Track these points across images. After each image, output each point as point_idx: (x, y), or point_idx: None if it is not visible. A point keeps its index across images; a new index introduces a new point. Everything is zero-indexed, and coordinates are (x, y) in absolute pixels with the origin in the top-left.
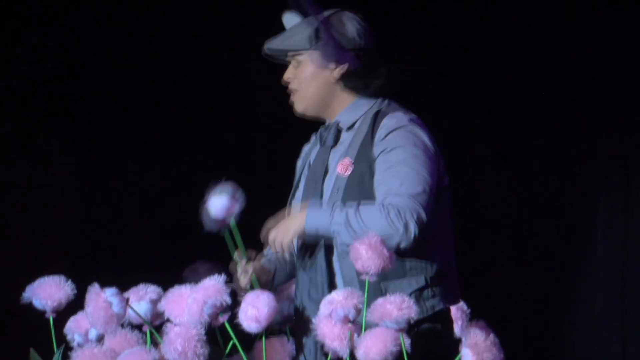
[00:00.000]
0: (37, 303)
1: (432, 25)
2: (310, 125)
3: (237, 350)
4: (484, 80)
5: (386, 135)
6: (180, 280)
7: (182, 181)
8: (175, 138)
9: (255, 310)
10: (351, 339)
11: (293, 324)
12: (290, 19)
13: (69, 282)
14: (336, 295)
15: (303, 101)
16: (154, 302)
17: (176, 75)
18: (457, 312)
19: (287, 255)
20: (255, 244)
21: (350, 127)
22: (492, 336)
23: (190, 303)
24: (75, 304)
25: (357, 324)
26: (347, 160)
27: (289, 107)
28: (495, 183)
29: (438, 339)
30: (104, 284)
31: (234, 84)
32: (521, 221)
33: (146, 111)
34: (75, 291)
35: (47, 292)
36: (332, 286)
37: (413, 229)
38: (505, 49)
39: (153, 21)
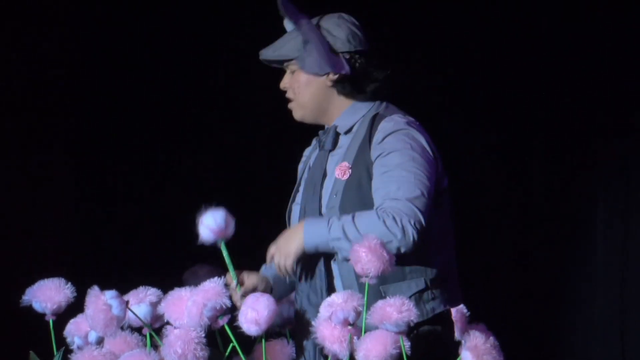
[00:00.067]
0: (37, 305)
1: (432, 26)
2: (311, 127)
3: (237, 353)
4: (484, 80)
5: (383, 139)
6: (180, 282)
7: (183, 182)
8: (175, 139)
9: (255, 312)
10: (351, 341)
11: (293, 326)
12: (290, 23)
13: (69, 284)
14: (336, 298)
15: (300, 108)
16: (154, 305)
17: (176, 75)
18: (457, 314)
19: (292, 276)
20: (255, 245)
21: (348, 131)
22: (491, 339)
23: (190, 306)
24: (75, 307)
25: (356, 327)
26: (345, 165)
27: (289, 110)
28: (495, 184)
29: (438, 341)
30: (103, 287)
31: (234, 84)
32: (521, 221)
33: (146, 112)
34: (75, 294)
35: (47, 294)
36: (331, 290)
37: (411, 233)
38: (505, 49)
39: (153, 21)
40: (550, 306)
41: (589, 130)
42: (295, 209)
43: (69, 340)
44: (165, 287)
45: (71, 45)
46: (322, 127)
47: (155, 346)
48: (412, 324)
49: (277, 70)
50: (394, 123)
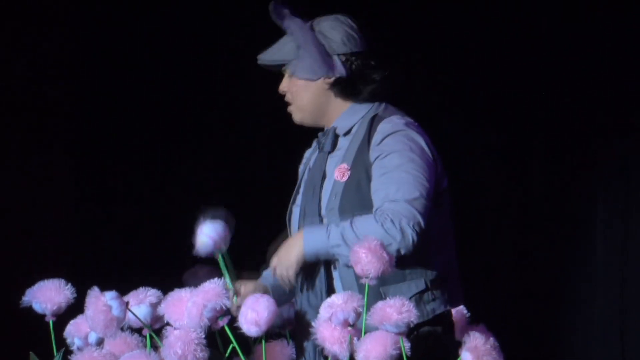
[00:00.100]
0: (37, 306)
1: (432, 26)
2: (311, 128)
3: (237, 354)
4: (484, 80)
5: (382, 140)
6: (179, 283)
7: (183, 182)
8: (175, 139)
9: (255, 313)
10: (351, 342)
11: (293, 327)
12: None
13: (69, 285)
14: (336, 299)
15: (299, 111)
16: (154, 306)
17: (176, 76)
18: (457, 315)
19: (294, 286)
20: (255, 245)
21: (347, 133)
22: (492, 339)
23: (190, 306)
24: (75, 308)
25: (356, 328)
26: (344, 166)
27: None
28: (495, 184)
29: (438, 342)
30: (103, 287)
31: (234, 84)
32: (521, 222)
33: (146, 112)
34: (75, 295)
35: (47, 295)
36: (330, 292)
37: (410, 235)
38: (505, 49)
39: (153, 21)
40: (550, 306)
41: (589, 130)
42: (296, 210)
43: (69, 341)
44: (165, 287)
45: (71, 45)
46: (322, 128)
47: (155, 347)
48: (412, 325)
49: (276, 71)
50: (393, 124)
